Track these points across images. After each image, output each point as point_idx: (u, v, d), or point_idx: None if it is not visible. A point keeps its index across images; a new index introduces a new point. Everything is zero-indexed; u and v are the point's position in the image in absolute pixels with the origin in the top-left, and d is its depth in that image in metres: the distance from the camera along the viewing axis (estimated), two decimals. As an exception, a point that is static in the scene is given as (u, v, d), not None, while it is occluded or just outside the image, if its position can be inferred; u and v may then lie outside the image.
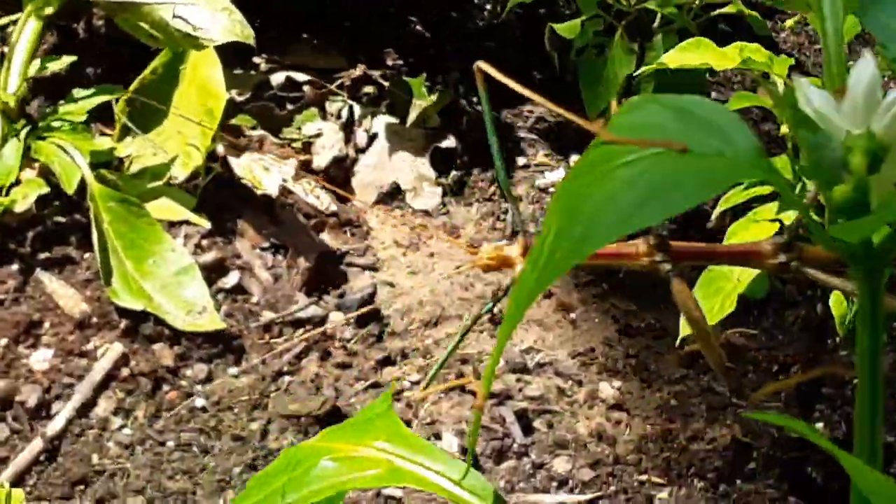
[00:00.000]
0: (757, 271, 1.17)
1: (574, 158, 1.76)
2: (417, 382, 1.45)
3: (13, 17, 1.71)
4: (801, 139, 0.44)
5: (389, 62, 1.89)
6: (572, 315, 1.55)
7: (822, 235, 0.44)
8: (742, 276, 1.21)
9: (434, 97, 1.80)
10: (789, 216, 1.20)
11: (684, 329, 1.28)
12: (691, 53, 1.30)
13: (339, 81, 1.83)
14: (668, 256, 0.53)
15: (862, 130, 0.44)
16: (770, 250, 0.52)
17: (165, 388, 1.44)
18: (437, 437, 1.39)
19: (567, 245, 0.38)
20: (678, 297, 0.54)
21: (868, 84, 0.44)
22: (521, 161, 1.77)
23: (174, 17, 1.59)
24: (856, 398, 0.49)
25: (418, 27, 1.95)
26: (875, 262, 0.46)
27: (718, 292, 1.24)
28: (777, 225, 1.21)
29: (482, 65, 0.49)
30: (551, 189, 1.73)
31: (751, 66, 1.17)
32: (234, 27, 1.58)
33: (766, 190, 1.28)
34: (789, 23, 1.85)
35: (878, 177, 0.44)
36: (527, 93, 0.47)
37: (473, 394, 1.43)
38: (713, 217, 1.43)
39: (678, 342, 1.38)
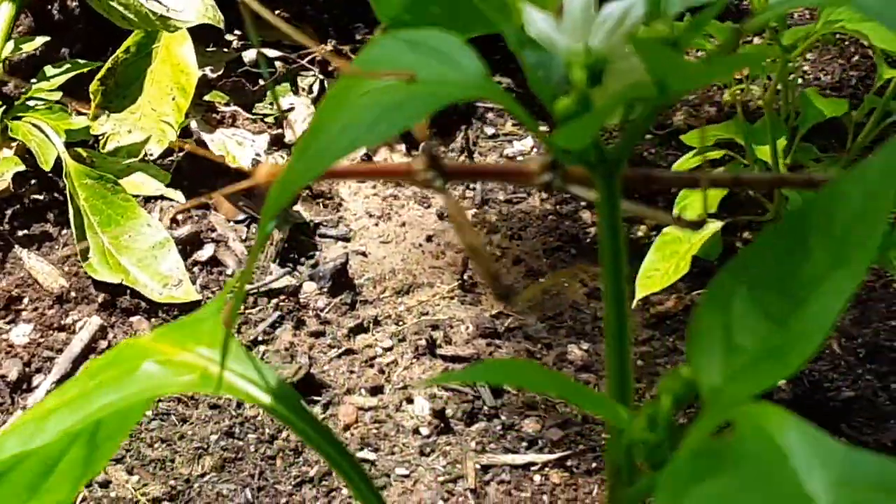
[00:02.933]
0: (709, 235, 1.19)
1: (542, 127, 1.77)
2: (390, 349, 1.47)
3: (-13, 0, 1.72)
4: (524, 59, 0.46)
5: (359, 37, 1.90)
6: (542, 280, 1.57)
7: (554, 148, 0.46)
8: (694, 240, 1.23)
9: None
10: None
11: (642, 289, 1.29)
12: None
13: (310, 57, 1.84)
14: (440, 173, 0.55)
15: (580, 46, 0.46)
16: (536, 169, 0.54)
17: (143, 359, 1.45)
18: (409, 401, 1.40)
19: (302, 162, 0.42)
20: (449, 208, 0.56)
21: (582, 2, 0.46)
22: (489, 131, 1.78)
23: (147, -2, 1.60)
24: (604, 308, 0.51)
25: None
26: (609, 168, 0.48)
27: (673, 255, 1.26)
28: (725, 190, 1.23)
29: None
30: (519, 157, 1.74)
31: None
32: (205, 10, 1.60)
33: (717, 154, 1.29)
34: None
35: (602, 89, 0.46)
36: (281, 24, 0.49)
37: (445, 359, 1.45)
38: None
39: (634, 303, 1.40)
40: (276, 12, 1.90)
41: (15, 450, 0.57)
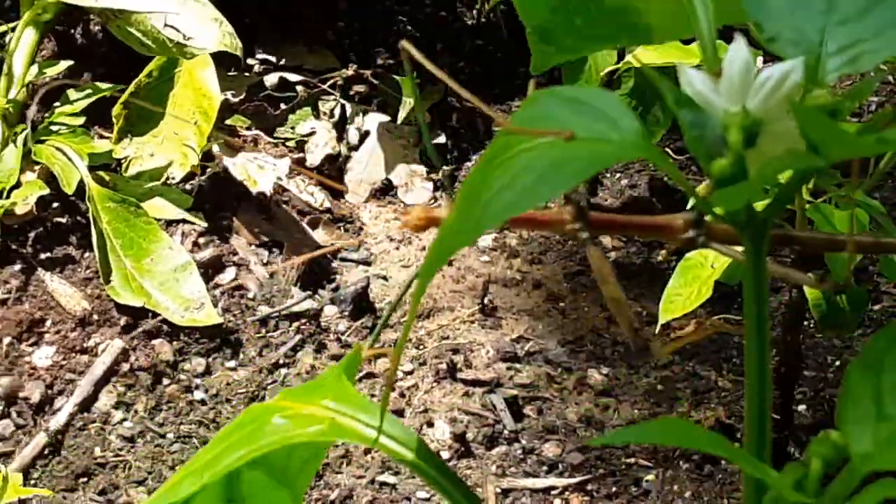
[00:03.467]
0: (730, 260, 1.19)
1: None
2: (411, 372, 1.47)
3: (11, 25, 1.73)
4: (681, 118, 0.46)
5: (380, 61, 1.91)
6: (562, 304, 1.57)
7: (708, 207, 0.46)
8: (717, 264, 1.23)
9: (429, 96, 1.82)
10: (760, 204, 1.21)
11: (664, 314, 1.29)
12: (657, 52, 1.33)
13: (331, 81, 1.85)
14: (586, 224, 0.56)
15: (738, 108, 0.46)
16: (681, 225, 0.54)
17: (165, 382, 1.45)
18: (430, 424, 1.41)
19: (470, 218, 0.42)
20: (592, 260, 0.56)
21: (741, 65, 0.46)
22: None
23: (165, 25, 1.60)
24: (745, 365, 0.51)
25: (408, 26, 1.97)
26: (757, 228, 0.48)
27: (695, 279, 1.26)
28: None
29: (406, 44, 0.51)
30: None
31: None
32: (223, 38, 1.60)
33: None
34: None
35: (756, 150, 0.46)
36: (440, 75, 0.50)
37: (465, 383, 1.45)
38: (688, 207, 1.45)
39: (657, 328, 1.40)
40: (297, 37, 1.91)
41: None
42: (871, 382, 0.46)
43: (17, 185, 1.59)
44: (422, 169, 1.75)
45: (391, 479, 1.35)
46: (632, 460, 1.39)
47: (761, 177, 0.44)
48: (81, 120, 1.68)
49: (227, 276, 1.57)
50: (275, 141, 1.76)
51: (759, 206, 0.49)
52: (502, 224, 0.41)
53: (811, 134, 0.44)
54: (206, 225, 1.61)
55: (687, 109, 0.47)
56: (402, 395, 1.44)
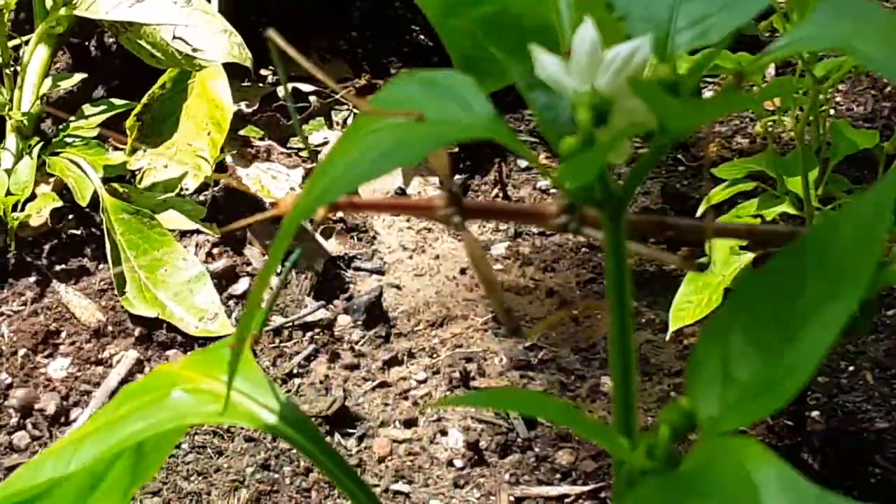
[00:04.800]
0: (741, 267, 1.19)
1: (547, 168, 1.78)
2: (424, 381, 1.47)
3: (25, 38, 1.74)
4: (534, 101, 0.48)
5: (393, 70, 1.91)
6: (574, 312, 1.57)
7: (559, 184, 0.47)
8: (727, 273, 1.23)
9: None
10: (770, 212, 1.22)
11: (675, 322, 1.29)
12: None
13: (346, 89, 1.85)
14: (459, 211, 0.56)
15: (586, 88, 0.47)
16: (554, 211, 0.55)
17: (179, 392, 1.46)
18: (443, 433, 1.41)
19: (315, 193, 0.44)
20: (467, 246, 0.57)
21: (589, 45, 0.47)
22: (522, 164, 1.79)
23: (174, 38, 1.61)
24: (608, 343, 0.52)
25: (421, 36, 1.97)
26: (614, 206, 0.49)
27: (705, 287, 1.26)
28: (758, 220, 1.23)
29: (272, 34, 0.52)
30: (552, 190, 1.75)
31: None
32: (232, 49, 1.61)
33: (749, 186, 1.29)
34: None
35: (608, 129, 0.47)
36: (307, 65, 0.51)
37: (478, 391, 1.45)
38: (698, 213, 1.45)
39: (668, 335, 1.40)
40: (310, 45, 1.92)
41: (52, 474, 0.58)
42: (719, 348, 0.46)
43: (32, 197, 1.60)
44: (435, 178, 1.75)
45: (405, 488, 1.35)
46: (645, 467, 1.39)
47: (604, 146, 0.45)
48: (95, 132, 1.69)
49: (240, 287, 1.58)
50: (288, 151, 1.77)
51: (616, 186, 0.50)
52: (347, 192, 0.43)
53: (651, 108, 0.45)
54: (219, 236, 1.61)
55: (539, 91, 0.48)
56: (415, 403, 1.44)
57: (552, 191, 1.75)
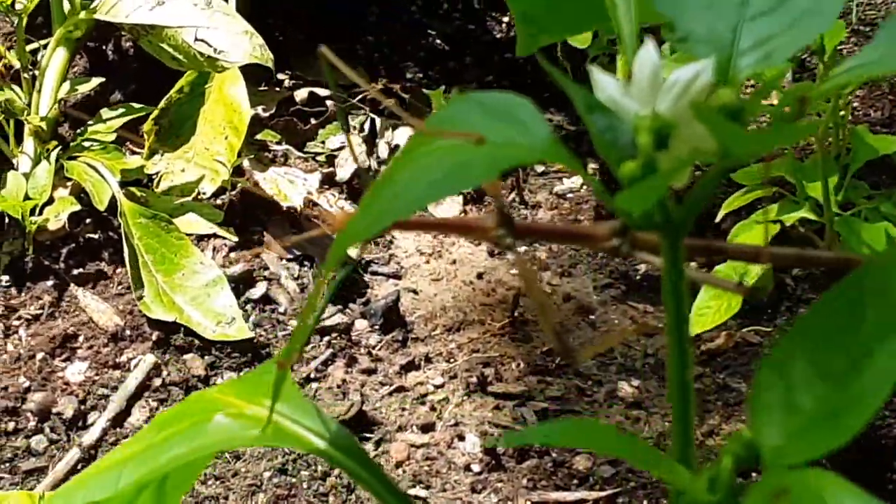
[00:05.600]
0: (760, 273, 1.19)
1: (591, 165, 1.78)
2: (441, 386, 1.47)
3: (43, 42, 1.74)
4: (593, 124, 0.46)
5: (409, 75, 1.91)
6: (591, 317, 1.57)
7: (620, 210, 0.46)
8: (747, 279, 1.23)
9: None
10: (790, 217, 1.21)
11: (695, 327, 1.29)
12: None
13: (360, 95, 1.85)
14: (510, 231, 0.56)
15: (647, 111, 0.46)
16: (605, 233, 0.55)
17: (197, 396, 1.46)
18: (461, 438, 1.40)
19: (369, 214, 0.43)
20: (518, 266, 0.57)
21: (651, 68, 0.46)
22: (539, 168, 1.78)
23: (196, 40, 1.61)
24: (667, 367, 0.51)
25: (437, 40, 1.97)
26: (673, 232, 0.48)
27: (724, 293, 1.25)
28: (778, 226, 1.22)
29: (324, 50, 0.52)
30: (569, 195, 1.74)
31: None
32: (253, 50, 1.60)
33: (768, 192, 1.29)
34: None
35: (668, 153, 0.46)
36: (360, 82, 0.51)
37: (496, 396, 1.45)
38: (717, 219, 1.44)
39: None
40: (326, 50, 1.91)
41: (95, 497, 0.57)
42: (781, 377, 0.46)
43: (50, 201, 1.60)
44: (459, 200, 1.75)
45: (422, 493, 1.35)
46: (663, 473, 1.38)
47: (667, 173, 0.44)
48: (113, 136, 1.69)
49: (258, 291, 1.57)
50: (305, 155, 1.76)
51: (677, 212, 0.49)
52: (407, 216, 0.43)
53: (715, 133, 0.44)
54: (236, 240, 1.61)
55: (599, 114, 0.47)
56: (432, 408, 1.44)
57: (569, 195, 1.75)
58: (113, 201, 1.59)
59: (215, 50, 1.61)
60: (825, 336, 0.45)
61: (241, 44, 1.61)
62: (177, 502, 0.61)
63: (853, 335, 0.44)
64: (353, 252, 1.62)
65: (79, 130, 1.72)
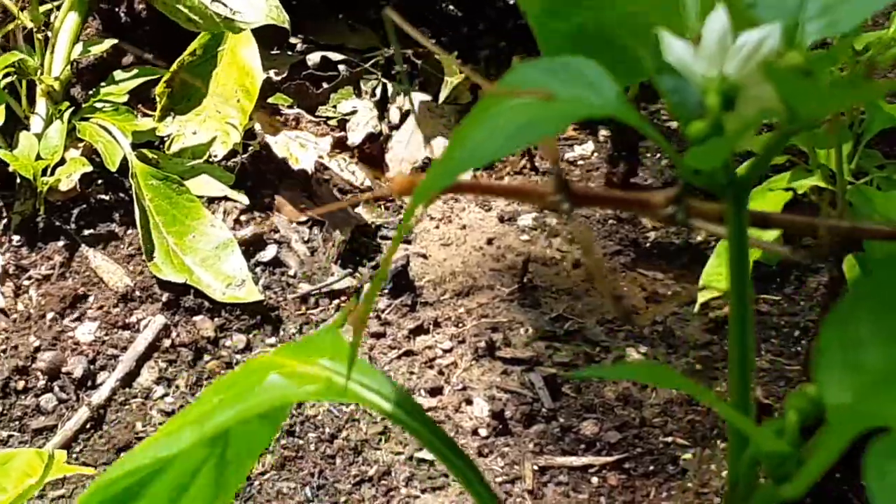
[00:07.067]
0: (771, 240, 1.18)
1: (602, 132, 1.76)
2: (450, 350, 1.46)
3: (56, 3, 1.73)
4: (662, 85, 0.47)
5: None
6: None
7: (685, 169, 0.46)
8: (755, 245, 1.21)
9: (467, 71, 1.81)
10: (802, 185, 1.20)
11: (703, 294, 1.28)
12: None
13: (373, 60, 1.84)
14: (567, 197, 0.56)
15: (715, 73, 0.47)
16: (661, 201, 0.54)
17: (206, 357, 1.45)
18: (469, 402, 1.40)
19: (446, 167, 0.43)
20: (576, 231, 0.57)
21: (720, 32, 0.47)
22: (550, 135, 1.77)
23: (213, 1, 1.60)
24: (729, 325, 0.51)
25: (450, 6, 1.96)
26: (738, 190, 0.48)
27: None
28: (791, 193, 1.21)
29: (390, 12, 0.52)
30: (580, 161, 1.73)
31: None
32: (270, 11, 1.60)
33: (781, 160, 1.28)
34: None
35: (735, 114, 0.46)
36: (425, 41, 0.51)
37: (504, 361, 1.44)
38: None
39: (696, 308, 1.39)
40: (339, 16, 1.91)
41: (153, 457, 0.58)
42: (845, 336, 0.45)
43: (62, 162, 1.59)
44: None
45: (429, 456, 1.35)
46: (669, 439, 1.38)
47: (735, 133, 0.44)
48: (125, 98, 1.68)
49: (268, 254, 1.57)
50: (316, 119, 1.76)
51: (742, 171, 0.49)
52: (477, 182, 0.43)
53: (784, 93, 0.44)
54: (247, 202, 1.61)
55: (668, 76, 0.48)
56: (440, 372, 1.43)
57: (580, 162, 1.74)
58: (124, 163, 1.58)
59: (231, 10, 1.60)
60: (888, 297, 0.45)
61: (257, 4, 1.60)
62: (241, 477, 0.61)
63: None
64: (363, 214, 1.62)
65: (91, 92, 1.71)
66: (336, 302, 1.51)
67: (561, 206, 0.55)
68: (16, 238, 1.56)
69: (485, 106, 0.45)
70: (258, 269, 1.55)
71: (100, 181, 1.63)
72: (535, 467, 1.34)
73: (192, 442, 0.56)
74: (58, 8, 1.72)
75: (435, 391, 1.42)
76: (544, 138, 0.43)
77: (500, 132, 0.43)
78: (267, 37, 1.72)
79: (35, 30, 1.67)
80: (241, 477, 0.62)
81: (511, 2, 1.96)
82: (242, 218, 1.60)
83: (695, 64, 0.47)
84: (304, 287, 1.53)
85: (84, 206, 1.60)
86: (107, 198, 1.62)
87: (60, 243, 1.56)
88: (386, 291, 1.53)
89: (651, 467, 1.35)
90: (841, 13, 0.48)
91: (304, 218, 1.61)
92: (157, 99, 1.66)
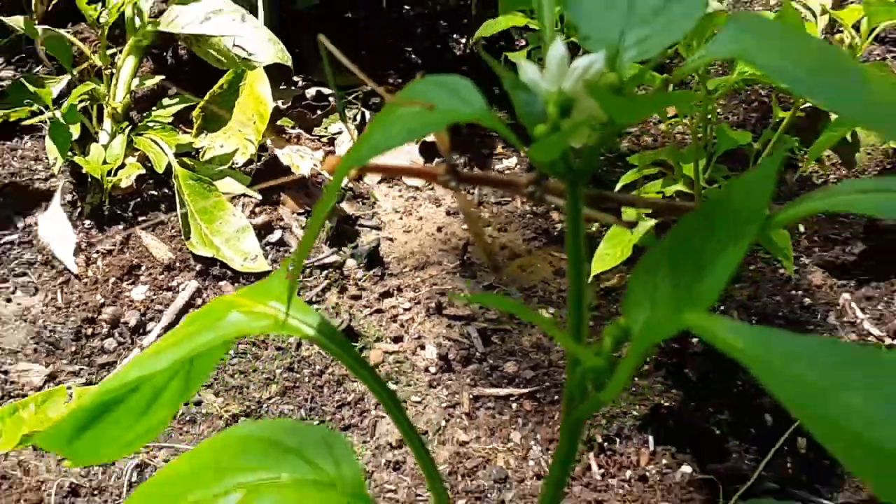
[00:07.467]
0: (647, 229, 1.17)
1: (513, 160, 1.76)
2: (409, 309, 1.45)
3: (119, 49, 1.71)
4: (516, 98, 0.47)
5: (391, 80, 1.89)
6: (520, 260, 1.55)
7: (532, 159, 0.47)
8: (636, 232, 1.21)
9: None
10: (669, 189, 1.20)
11: (594, 269, 1.28)
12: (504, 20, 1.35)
13: (354, 94, 1.83)
14: (455, 177, 0.56)
15: (555, 89, 0.47)
16: (525, 182, 0.55)
17: (228, 312, 1.44)
18: (422, 347, 1.39)
19: (356, 154, 0.44)
20: (460, 202, 0.56)
21: (559, 58, 0.47)
22: (485, 151, 1.77)
23: (234, 45, 1.59)
24: (567, 276, 0.51)
25: (413, 56, 1.94)
26: (574, 177, 0.48)
27: (619, 243, 1.24)
28: (660, 195, 1.21)
29: (323, 38, 0.52)
30: (506, 171, 1.73)
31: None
32: (276, 52, 1.58)
33: (653, 171, 1.28)
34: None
35: (570, 120, 0.46)
36: (354, 69, 0.52)
37: (449, 317, 1.44)
38: (615, 190, 1.43)
39: (590, 279, 1.39)
40: (329, 62, 1.89)
41: (136, 374, 0.57)
42: (648, 279, 0.46)
43: (122, 166, 1.58)
44: (420, 159, 1.73)
45: (392, 387, 1.34)
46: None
47: (566, 131, 0.45)
48: (170, 119, 1.67)
49: (275, 236, 1.55)
50: (312, 137, 1.74)
51: (578, 164, 0.49)
52: (380, 154, 0.44)
53: (602, 104, 0.45)
54: (260, 198, 1.59)
55: (521, 91, 0.48)
56: (402, 325, 1.42)
57: (506, 171, 1.73)
58: (169, 167, 1.57)
59: (248, 53, 1.59)
60: (683, 249, 0.46)
61: (267, 48, 1.59)
62: (199, 384, 0.60)
63: (702, 248, 0.45)
64: (346, 207, 1.61)
65: (144, 114, 1.69)
66: (325, 273, 1.50)
67: (450, 184, 0.56)
68: (87, 222, 1.54)
69: (386, 111, 0.46)
70: (267, 248, 1.54)
71: (150, 180, 1.61)
72: (471, 396, 1.34)
73: (169, 364, 0.56)
74: (120, 52, 1.70)
75: (397, 339, 1.41)
76: (436, 134, 0.44)
77: (395, 131, 0.43)
78: (276, 76, 1.70)
79: (103, 68, 1.65)
80: (199, 384, 0.61)
81: (458, 53, 1.95)
82: (256, 210, 1.59)
83: (541, 82, 0.47)
84: (303, 261, 1.52)
85: (138, 199, 1.58)
86: (155, 193, 1.60)
87: (120, 226, 1.54)
88: (362, 265, 1.52)
89: (556, 397, 1.35)
90: (650, 43, 0.49)
91: (302, 210, 1.60)
92: (194, 120, 1.65)
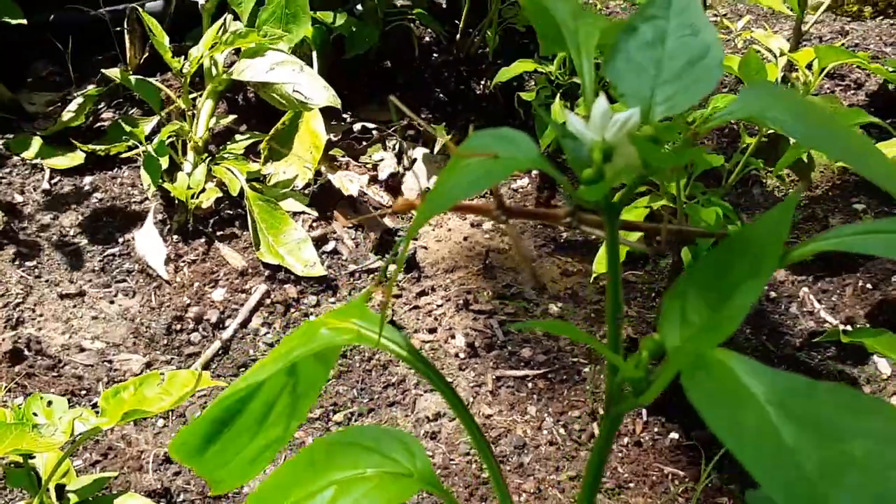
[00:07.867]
0: (636, 241, 1.17)
1: (533, 172, 1.76)
2: (441, 305, 1.45)
3: (199, 93, 1.72)
4: (565, 145, 0.47)
5: (423, 116, 1.89)
6: (534, 265, 1.55)
7: (578, 199, 0.46)
8: (628, 241, 1.21)
9: (450, 136, 1.80)
10: (656, 204, 1.20)
11: (597, 268, 1.28)
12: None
13: (393, 127, 1.83)
14: (505, 212, 0.56)
15: (599, 138, 0.46)
16: (562, 214, 0.55)
17: (292, 310, 1.45)
18: (453, 336, 1.39)
19: (433, 202, 0.43)
20: (508, 231, 0.56)
21: (602, 112, 0.47)
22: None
23: (293, 91, 1.59)
24: (606, 293, 0.51)
25: (441, 95, 1.95)
26: (612, 209, 0.48)
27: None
28: (648, 209, 1.21)
29: (393, 98, 0.52)
30: (520, 190, 1.72)
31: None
32: (329, 97, 1.59)
33: (642, 188, 1.27)
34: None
35: (611, 165, 0.46)
36: (418, 120, 0.51)
37: (474, 312, 1.44)
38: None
39: (591, 279, 1.38)
40: (371, 102, 1.89)
41: (246, 384, 0.57)
42: (679, 303, 0.45)
43: (203, 190, 1.58)
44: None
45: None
46: (576, 359, 1.37)
47: (610, 178, 0.45)
48: (242, 151, 1.67)
49: (329, 246, 1.56)
50: (359, 164, 1.75)
51: (616, 198, 0.49)
52: (452, 206, 0.43)
53: (641, 152, 0.45)
54: (317, 215, 1.60)
55: (569, 139, 0.47)
56: (435, 319, 1.43)
57: (519, 190, 1.73)
58: (241, 191, 1.57)
59: (305, 97, 1.59)
60: (708, 277, 0.45)
61: (321, 93, 1.59)
62: (307, 405, 0.60)
63: (725, 278, 0.45)
64: (390, 223, 1.61)
65: (221, 147, 1.70)
66: (371, 276, 1.51)
67: (500, 218, 0.56)
68: (175, 237, 1.55)
69: (453, 163, 0.45)
70: (323, 256, 1.54)
71: (226, 202, 1.61)
72: (494, 377, 1.34)
73: (275, 371, 0.56)
74: (200, 96, 1.71)
75: (432, 330, 1.41)
76: (496, 181, 0.44)
77: (465, 180, 0.43)
78: (329, 115, 1.71)
79: (186, 109, 1.66)
80: (308, 405, 0.60)
81: (478, 93, 1.95)
82: (313, 224, 1.59)
83: (586, 132, 0.47)
84: (352, 267, 1.53)
85: (217, 217, 1.59)
86: (231, 212, 1.61)
87: (202, 240, 1.55)
88: (402, 270, 1.52)
89: (564, 377, 1.35)
90: (677, 100, 0.48)
91: (351, 224, 1.60)
92: (262, 152, 1.66)
